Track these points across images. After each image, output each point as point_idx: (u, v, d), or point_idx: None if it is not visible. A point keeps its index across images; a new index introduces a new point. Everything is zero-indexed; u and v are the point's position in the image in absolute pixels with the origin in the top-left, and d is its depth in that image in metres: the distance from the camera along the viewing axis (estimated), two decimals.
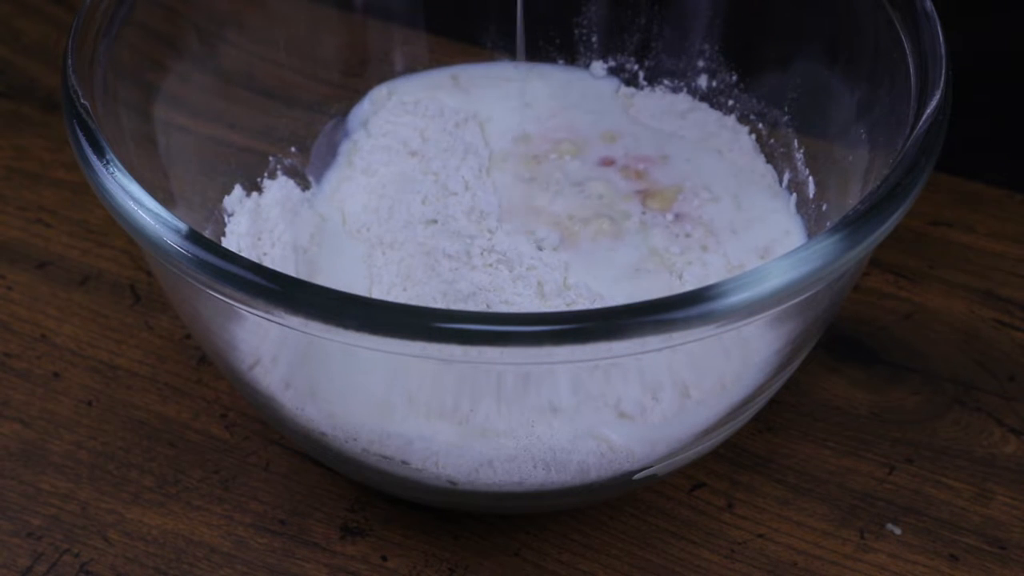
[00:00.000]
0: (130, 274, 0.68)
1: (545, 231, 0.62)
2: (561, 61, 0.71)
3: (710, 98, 0.68)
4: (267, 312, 0.48)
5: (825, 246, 0.49)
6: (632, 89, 0.70)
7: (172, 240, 0.49)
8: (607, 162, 0.66)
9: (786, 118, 0.66)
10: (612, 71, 0.70)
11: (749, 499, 0.60)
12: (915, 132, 0.52)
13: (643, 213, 0.63)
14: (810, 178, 0.64)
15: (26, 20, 0.80)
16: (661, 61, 0.69)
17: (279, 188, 0.65)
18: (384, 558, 0.58)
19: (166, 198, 0.58)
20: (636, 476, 0.55)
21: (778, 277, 0.48)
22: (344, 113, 0.69)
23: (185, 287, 0.52)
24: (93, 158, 0.52)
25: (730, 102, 0.68)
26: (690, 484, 0.61)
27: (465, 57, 0.71)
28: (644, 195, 0.64)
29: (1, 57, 0.78)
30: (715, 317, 0.47)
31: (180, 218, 0.50)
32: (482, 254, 0.61)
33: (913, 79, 0.55)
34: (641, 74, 0.70)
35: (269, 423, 0.60)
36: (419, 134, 0.67)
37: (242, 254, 0.56)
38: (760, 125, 0.67)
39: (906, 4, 0.57)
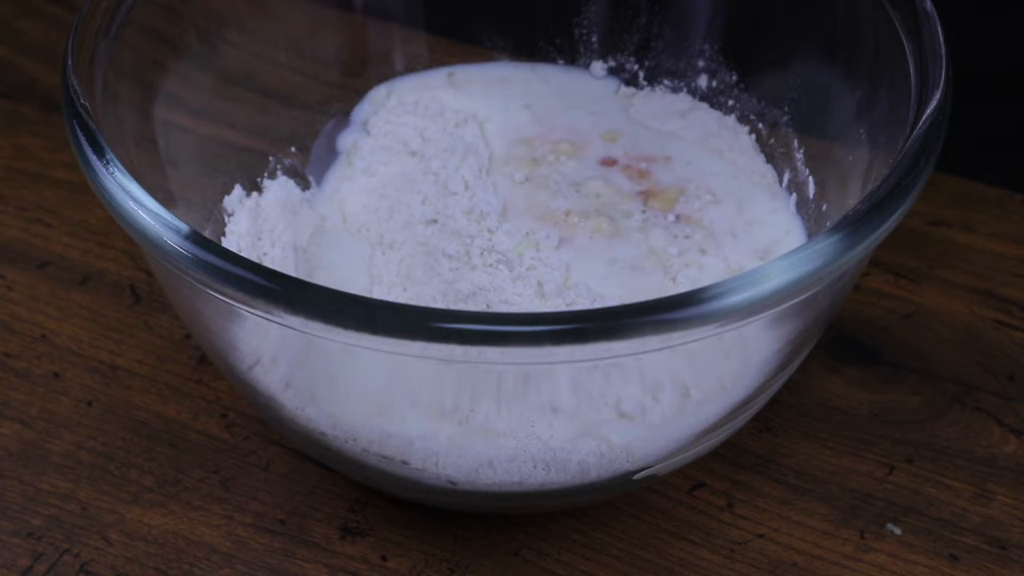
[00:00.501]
0: (130, 274, 0.68)
1: (545, 231, 0.62)
2: (561, 61, 0.71)
3: (710, 98, 0.68)
4: (267, 312, 0.48)
5: (825, 246, 0.49)
6: (632, 89, 0.70)
7: (172, 240, 0.49)
8: (608, 162, 0.66)
9: (786, 118, 0.66)
10: (612, 71, 0.70)
11: (749, 499, 0.60)
12: (915, 132, 0.52)
13: (644, 213, 0.63)
14: (810, 178, 0.64)
15: (26, 20, 0.80)
16: (661, 61, 0.69)
17: (279, 188, 0.65)
18: (384, 558, 0.58)
19: (166, 198, 0.58)
20: (636, 476, 0.55)
21: (778, 277, 0.48)
22: (344, 113, 0.69)
23: (185, 287, 0.52)
24: (93, 158, 0.52)
25: (730, 102, 0.68)
26: (690, 484, 0.61)
27: (465, 57, 0.71)
28: (646, 195, 0.64)
29: (1, 57, 0.78)
30: (715, 317, 0.47)
31: (180, 218, 0.50)
32: (482, 254, 0.61)
33: (913, 79, 0.55)
34: (641, 74, 0.70)
35: (269, 423, 0.60)
36: (419, 134, 0.67)
37: (242, 254, 0.56)
38: (760, 125, 0.67)
39: (906, 4, 0.57)
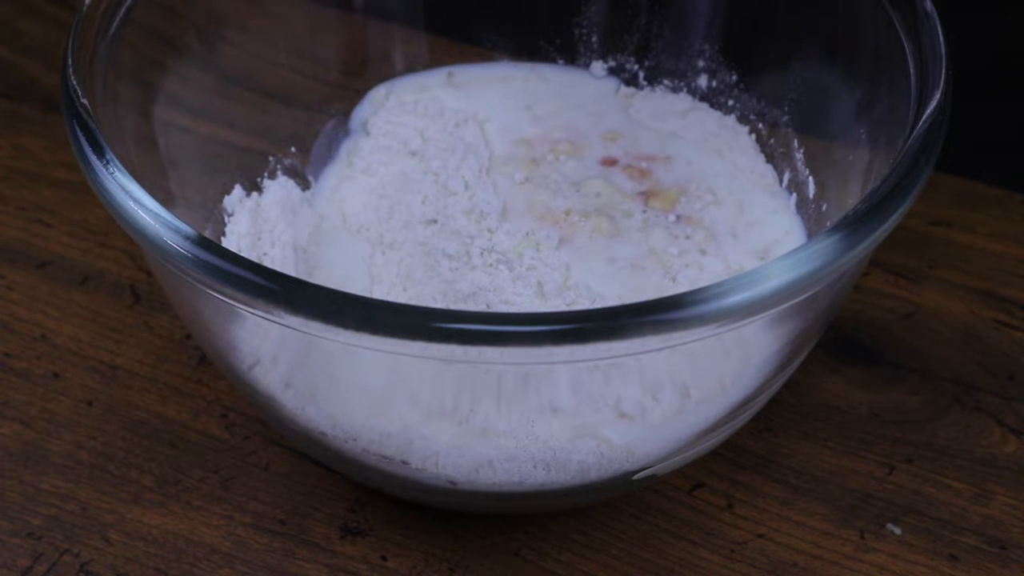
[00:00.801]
0: (130, 274, 0.68)
1: (545, 231, 0.62)
2: (561, 61, 0.71)
3: (710, 98, 0.68)
4: (267, 312, 0.48)
5: (825, 246, 0.49)
6: (632, 89, 0.70)
7: (172, 240, 0.49)
8: (608, 162, 0.66)
9: (786, 118, 0.66)
10: (612, 71, 0.70)
11: (749, 499, 0.60)
12: (915, 132, 0.52)
13: (644, 212, 0.63)
14: (810, 178, 0.64)
15: (26, 20, 0.80)
16: (661, 61, 0.69)
17: (279, 188, 0.65)
18: (384, 558, 0.58)
19: (166, 198, 0.58)
20: (636, 476, 0.55)
21: (778, 277, 0.48)
22: (344, 113, 0.69)
23: (185, 287, 0.52)
24: (93, 158, 0.52)
25: (730, 102, 0.68)
26: (690, 484, 0.61)
27: (465, 57, 0.71)
28: (647, 195, 0.64)
29: (1, 57, 0.78)
30: (715, 317, 0.47)
31: (180, 218, 0.50)
32: (482, 254, 0.61)
33: (913, 79, 0.55)
34: (641, 74, 0.70)
35: (269, 423, 0.60)
36: (419, 134, 0.67)
37: (242, 254, 0.56)
38: (760, 125, 0.67)
39: (906, 4, 0.57)
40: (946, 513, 0.60)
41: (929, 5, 0.57)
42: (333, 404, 0.54)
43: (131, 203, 0.50)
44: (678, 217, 0.63)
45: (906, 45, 0.56)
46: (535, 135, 0.67)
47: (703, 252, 0.62)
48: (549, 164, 0.66)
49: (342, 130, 0.68)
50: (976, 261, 0.68)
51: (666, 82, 0.69)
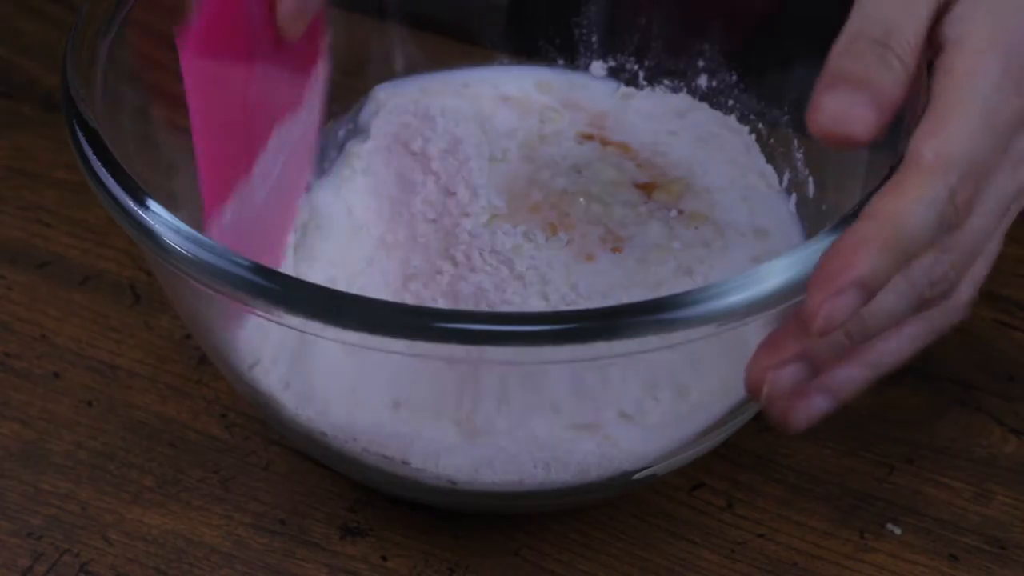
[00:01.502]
0: (130, 274, 0.68)
1: (545, 230, 0.62)
2: (561, 61, 0.71)
3: (710, 98, 0.68)
4: (267, 312, 0.48)
5: (825, 246, 0.49)
6: (632, 89, 0.70)
7: (172, 240, 0.49)
8: (605, 140, 0.66)
9: (786, 118, 0.66)
10: (612, 71, 0.70)
11: (749, 499, 0.60)
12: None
13: (646, 211, 0.63)
14: (810, 178, 0.64)
15: (26, 20, 0.80)
16: (661, 61, 0.69)
17: None
18: (384, 558, 0.58)
19: (167, 198, 0.57)
20: (636, 476, 0.55)
21: (778, 277, 0.48)
22: (343, 113, 0.69)
23: (185, 287, 0.52)
24: (93, 158, 0.52)
25: (730, 102, 0.68)
26: (690, 484, 0.61)
27: (465, 57, 0.71)
28: (649, 193, 0.64)
29: (1, 57, 0.78)
30: (715, 317, 0.47)
31: (181, 219, 0.50)
32: (482, 254, 0.61)
33: None
34: (641, 74, 0.70)
35: (269, 423, 0.60)
36: (419, 134, 0.67)
37: None
38: (760, 125, 0.67)
39: None
40: (946, 513, 0.60)
41: None
42: (333, 404, 0.54)
43: (131, 203, 0.50)
44: (679, 213, 0.63)
45: None
46: (535, 135, 0.67)
47: (703, 250, 0.62)
48: (550, 164, 0.65)
49: (342, 130, 0.68)
50: None
51: (666, 82, 0.69)
